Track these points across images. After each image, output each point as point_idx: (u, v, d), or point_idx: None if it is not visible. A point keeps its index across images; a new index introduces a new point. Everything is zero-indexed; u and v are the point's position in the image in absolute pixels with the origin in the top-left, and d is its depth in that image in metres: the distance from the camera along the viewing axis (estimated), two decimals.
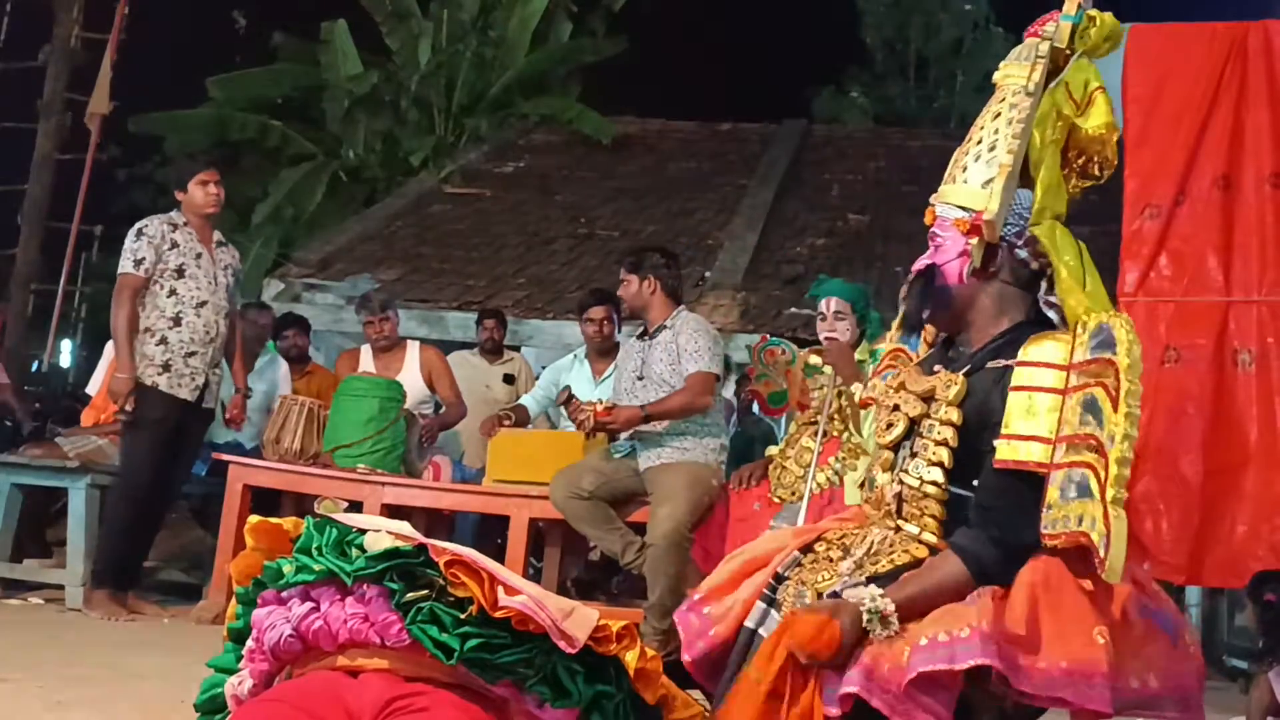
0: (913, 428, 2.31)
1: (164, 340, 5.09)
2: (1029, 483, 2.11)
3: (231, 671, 2.29)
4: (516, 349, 8.04)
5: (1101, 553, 1.99)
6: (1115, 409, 2.05)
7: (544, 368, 6.70)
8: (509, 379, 6.96)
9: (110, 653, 4.09)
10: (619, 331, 5.94)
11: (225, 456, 5.54)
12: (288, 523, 2.31)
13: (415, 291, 9.95)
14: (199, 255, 5.24)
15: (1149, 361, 4.34)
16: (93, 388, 6.28)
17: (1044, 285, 2.28)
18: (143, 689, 3.52)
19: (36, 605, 5.16)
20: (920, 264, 2.37)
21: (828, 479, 4.33)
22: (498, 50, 15.75)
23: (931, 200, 2.38)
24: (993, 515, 2.15)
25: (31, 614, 5.00)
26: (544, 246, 11.30)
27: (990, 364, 2.25)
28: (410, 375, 6.11)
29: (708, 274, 10.02)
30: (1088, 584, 2.06)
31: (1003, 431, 2.14)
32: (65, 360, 15.31)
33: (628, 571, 5.08)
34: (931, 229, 2.36)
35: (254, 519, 2.35)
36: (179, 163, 5.67)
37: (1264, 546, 4.18)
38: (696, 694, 2.46)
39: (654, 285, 4.93)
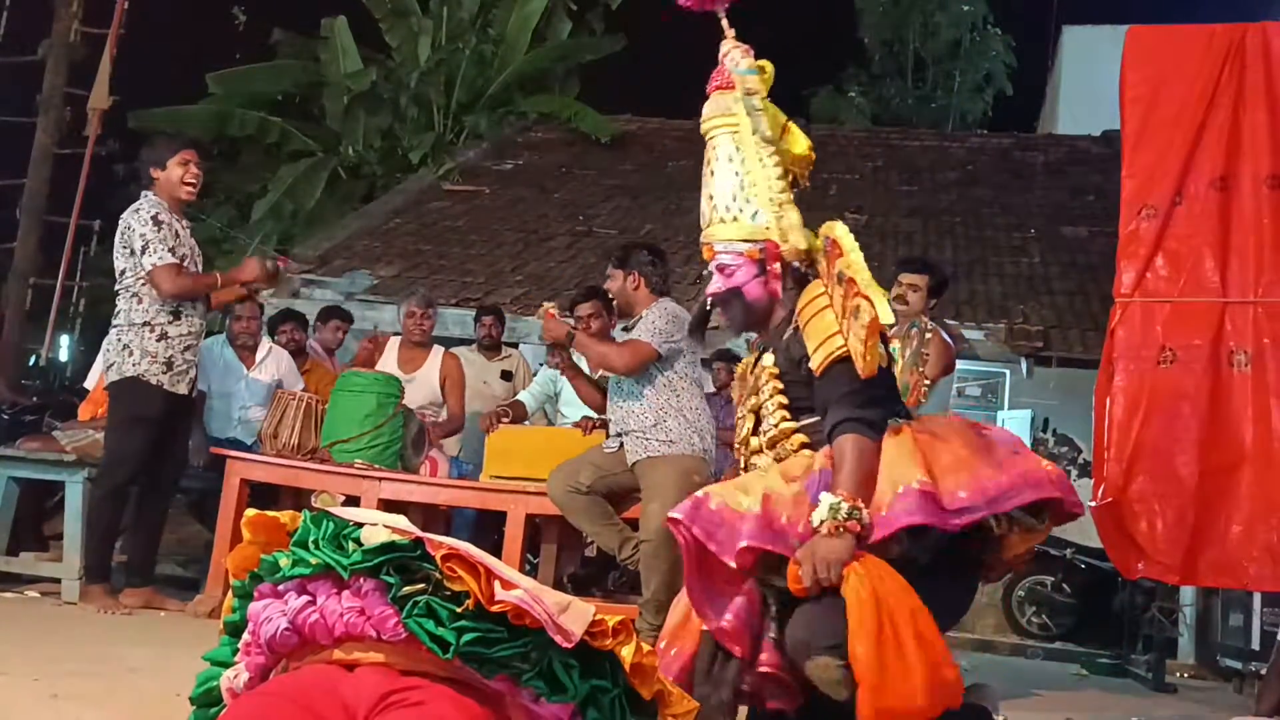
0: (754, 415, 2.80)
1: (165, 335, 5.06)
2: (846, 364, 2.59)
3: (227, 665, 2.29)
4: (514, 346, 8.05)
5: (877, 310, 2.49)
6: (844, 255, 2.60)
7: (542, 364, 6.71)
8: (507, 375, 6.98)
9: (106, 646, 4.10)
10: (615, 326, 5.94)
11: (223, 451, 5.55)
12: (285, 516, 2.31)
13: (413, 288, 9.95)
14: (190, 246, 5.23)
15: (1145, 362, 4.35)
16: (90, 382, 6.28)
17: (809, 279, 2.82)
18: (138, 682, 3.52)
19: (33, 599, 5.15)
20: (719, 289, 2.85)
21: None
22: (497, 48, 15.76)
23: (705, 239, 2.87)
24: (845, 398, 2.58)
25: (27, 608, 5.00)
26: (542, 244, 11.31)
27: (783, 338, 2.78)
28: (429, 376, 6.26)
29: (705, 272, 10.01)
30: (904, 445, 2.52)
31: (810, 352, 2.65)
32: (63, 355, 15.32)
33: (624, 567, 5.09)
34: (716, 261, 2.84)
35: (251, 512, 2.35)
36: (157, 140, 5.44)
37: (1259, 547, 4.19)
38: None
39: (638, 281, 4.95)
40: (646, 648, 2.23)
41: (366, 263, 10.77)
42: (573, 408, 5.95)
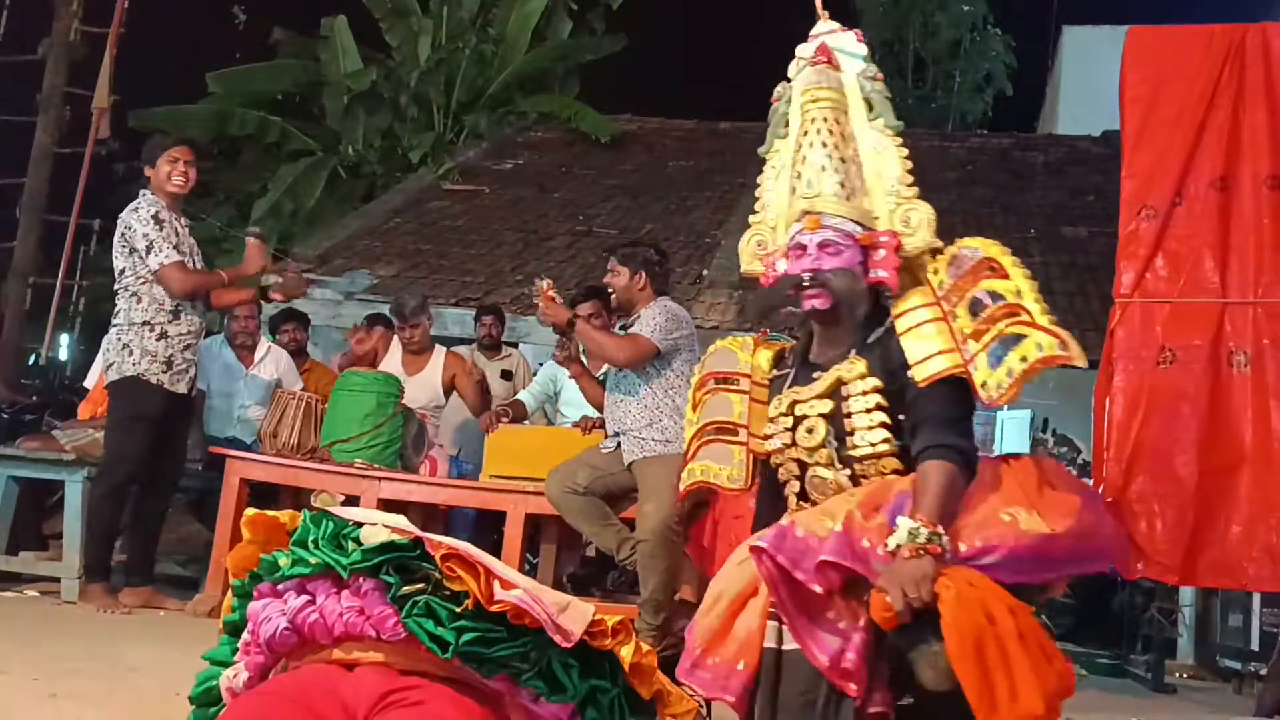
0: (829, 422, 2.56)
1: (164, 334, 5.08)
2: (953, 386, 2.45)
3: (227, 664, 2.30)
4: (514, 345, 8.05)
5: (1064, 353, 2.33)
6: (1008, 278, 2.45)
7: (541, 364, 6.72)
8: (507, 375, 6.98)
9: (106, 646, 4.10)
10: (614, 325, 5.94)
11: (222, 450, 5.55)
12: (284, 516, 2.32)
13: (413, 288, 9.94)
14: (190, 245, 5.23)
15: (1144, 362, 4.34)
16: (90, 381, 6.28)
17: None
18: (138, 682, 3.53)
19: (32, 598, 5.16)
20: (819, 266, 2.58)
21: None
22: (497, 48, 15.75)
23: (814, 207, 2.61)
24: (945, 423, 2.43)
25: (27, 607, 5.00)
26: (542, 243, 11.31)
27: (870, 339, 2.58)
28: (431, 377, 6.22)
29: (705, 272, 10.03)
30: (1003, 481, 2.41)
31: (912, 363, 2.48)
32: (63, 354, 15.30)
33: (623, 567, 5.09)
34: (822, 235, 2.58)
35: (250, 512, 2.36)
36: (152, 140, 5.48)
37: (1258, 547, 4.18)
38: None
39: (643, 280, 4.96)
40: (646, 647, 2.24)
41: (366, 262, 10.77)
42: (572, 407, 5.95)
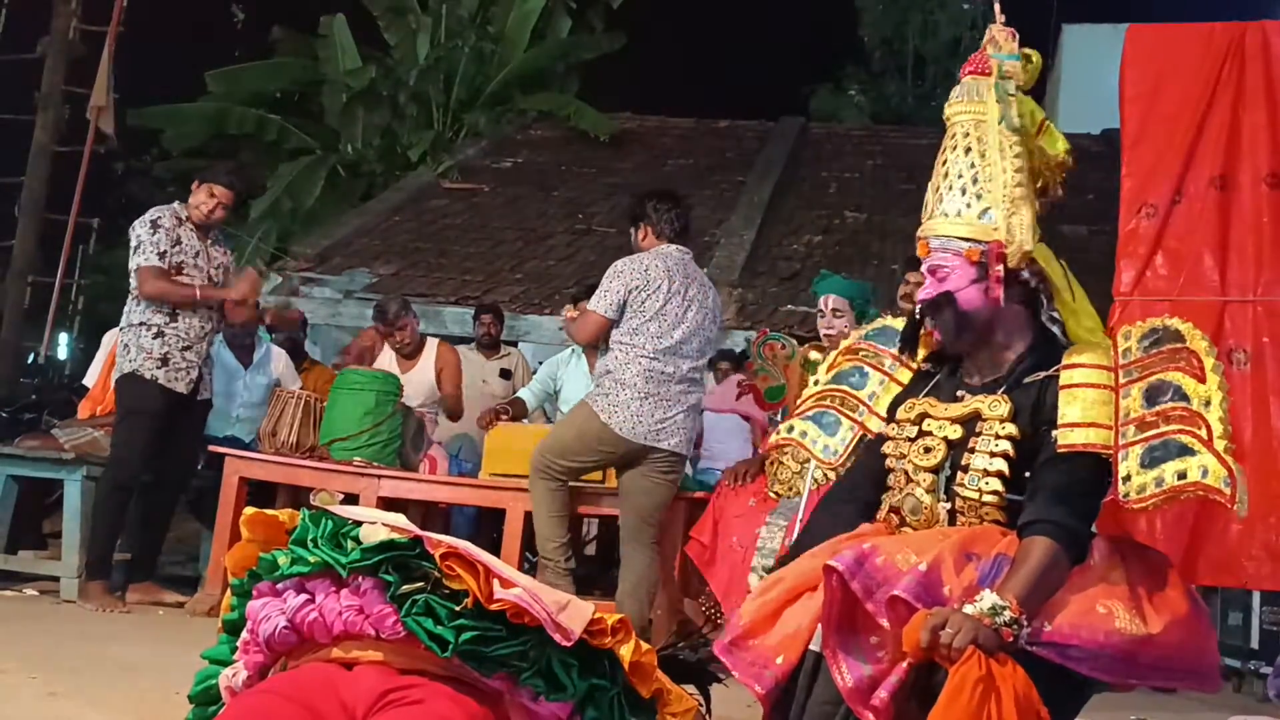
0: (951, 449, 2.41)
1: (161, 334, 5.14)
2: (1091, 463, 2.28)
3: (226, 663, 2.30)
4: (513, 344, 8.06)
5: (1227, 490, 2.14)
6: (1203, 381, 2.25)
7: (540, 363, 6.72)
8: (506, 374, 6.98)
9: (104, 644, 4.10)
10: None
11: (221, 449, 5.54)
12: (283, 515, 2.31)
13: (412, 286, 9.96)
14: (197, 253, 5.28)
15: None
16: (90, 379, 6.28)
17: (1044, 301, 2.47)
18: (137, 680, 3.53)
19: (31, 597, 5.16)
20: (929, 294, 2.48)
21: (824, 475, 4.33)
22: (496, 46, 15.76)
23: (921, 233, 2.53)
24: (1065, 496, 2.26)
25: (26, 606, 5.01)
26: (541, 242, 11.31)
27: (1027, 379, 2.40)
28: (425, 371, 6.24)
29: (704, 270, 10.02)
30: (1113, 569, 2.24)
31: (1060, 423, 2.31)
32: (62, 352, 15.31)
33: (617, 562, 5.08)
34: (930, 261, 2.49)
35: (250, 511, 2.35)
36: (222, 164, 5.70)
37: (1258, 545, 4.18)
38: (690, 689, 2.46)
39: (645, 231, 4.77)
40: (645, 646, 2.23)
41: (365, 261, 10.77)
42: (572, 405, 5.95)
